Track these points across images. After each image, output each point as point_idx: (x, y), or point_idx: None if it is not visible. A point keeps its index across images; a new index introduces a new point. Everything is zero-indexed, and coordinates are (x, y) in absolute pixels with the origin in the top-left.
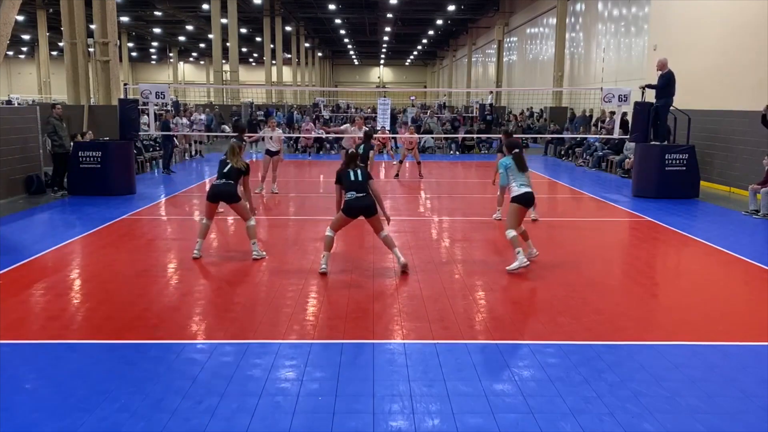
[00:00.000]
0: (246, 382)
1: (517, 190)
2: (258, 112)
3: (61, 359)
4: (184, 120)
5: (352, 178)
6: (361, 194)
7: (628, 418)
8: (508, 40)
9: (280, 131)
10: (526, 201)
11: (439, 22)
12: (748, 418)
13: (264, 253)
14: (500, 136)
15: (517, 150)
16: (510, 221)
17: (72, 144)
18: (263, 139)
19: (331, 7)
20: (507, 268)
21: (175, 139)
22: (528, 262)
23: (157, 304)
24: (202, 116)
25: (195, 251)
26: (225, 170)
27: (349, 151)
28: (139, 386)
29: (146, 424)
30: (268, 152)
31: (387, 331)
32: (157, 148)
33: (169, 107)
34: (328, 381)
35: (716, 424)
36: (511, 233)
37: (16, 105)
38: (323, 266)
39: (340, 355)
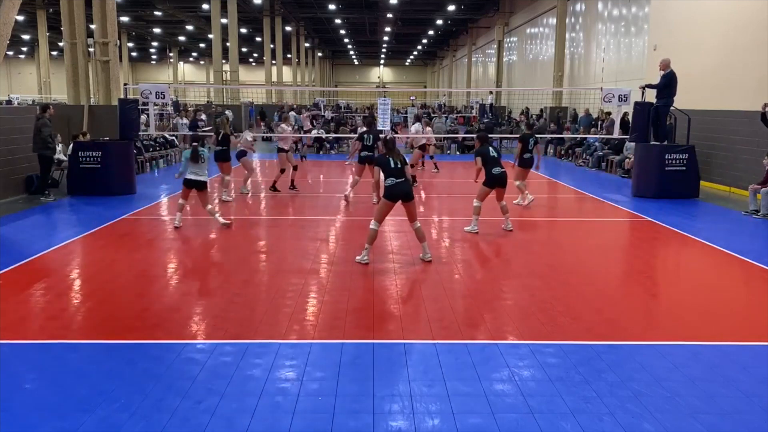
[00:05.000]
0: (246, 382)
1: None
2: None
3: (61, 359)
4: (185, 120)
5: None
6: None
7: (628, 418)
8: (508, 40)
9: (250, 133)
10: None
11: (439, 22)
12: (748, 418)
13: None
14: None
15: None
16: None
17: (72, 144)
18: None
19: (331, 7)
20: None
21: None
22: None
23: (157, 304)
24: (204, 117)
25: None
26: None
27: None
28: (139, 386)
29: (146, 424)
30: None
31: (387, 331)
32: (158, 148)
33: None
34: (328, 381)
35: (716, 424)
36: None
37: (16, 105)
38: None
39: (340, 355)
